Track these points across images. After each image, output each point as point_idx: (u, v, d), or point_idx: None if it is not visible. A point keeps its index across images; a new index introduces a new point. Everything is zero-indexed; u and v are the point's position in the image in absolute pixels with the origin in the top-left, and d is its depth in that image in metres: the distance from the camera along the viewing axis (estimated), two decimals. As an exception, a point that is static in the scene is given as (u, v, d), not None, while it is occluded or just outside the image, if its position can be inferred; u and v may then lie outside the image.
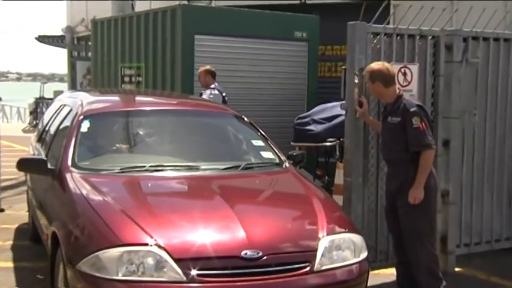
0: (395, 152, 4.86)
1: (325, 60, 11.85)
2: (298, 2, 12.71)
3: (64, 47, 21.86)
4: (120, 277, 3.60)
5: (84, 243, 3.83)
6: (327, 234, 4.01)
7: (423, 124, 4.71)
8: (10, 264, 5.98)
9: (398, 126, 4.78)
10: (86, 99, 5.70)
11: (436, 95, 5.77)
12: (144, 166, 4.69)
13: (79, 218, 4.06)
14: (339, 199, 5.60)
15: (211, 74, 8.22)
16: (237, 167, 4.88)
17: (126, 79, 10.79)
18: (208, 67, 8.31)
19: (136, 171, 4.65)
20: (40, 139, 6.41)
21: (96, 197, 4.21)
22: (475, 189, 6.10)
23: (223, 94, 8.06)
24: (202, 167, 4.83)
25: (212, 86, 8.09)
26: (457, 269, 5.84)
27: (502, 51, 6.15)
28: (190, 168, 4.80)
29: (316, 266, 3.85)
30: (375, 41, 5.47)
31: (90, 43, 14.28)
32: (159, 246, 3.67)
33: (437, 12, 5.77)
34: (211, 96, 7.91)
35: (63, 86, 27.46)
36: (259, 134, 5.49)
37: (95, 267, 3.66)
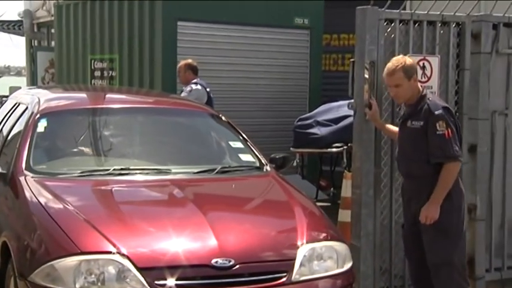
0: (417, 165, 4.76)
1: (330, 51, 11.89)
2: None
3: (22, 35, 21.80)
4: None
5: (38, 253, 3.96)
6: (307, 242, 4.21)
7: (449, 131, 4.62)
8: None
9: (420, 132, 4.71)
10: (44, 97, 5.84)
11: (460, 93, 5.80)
12: (108, 169, 4.86)
13: (33, 226, 4.20)
14: (346, 214, 5.64)
15: (193, 70, 8.22)
16: (211, 170, 5.08)
17: (97, 74, 10.80)
18: (190, 61, 8.31)
19: (99, 174, 4.83)
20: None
21: (52, 202, 4.36)
22: (507, 203, 6.13)
23: (208, 90, 8.06)
24: (174, 170, 5.04)
25: (194, 81, 8.09)
26: (486, 298, 5.88)
27: (539, 41, 6.18)
28: (159, 171, 5.01)
29: (294, 277, 4.05)
30: (389, 29, 5.50)
31: (53, 30, 14.27)
32: (122, 255, 3.83)
33: (462, -5, 5.80)
34: (193, 92, 7.88)
35: (22, 81, 27.42)
36: (238, 135, 5.68)
37: (49, 279, 3.80)
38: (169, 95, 7.41)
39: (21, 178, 4.70)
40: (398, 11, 5.54)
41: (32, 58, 18.36)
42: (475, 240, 5.80)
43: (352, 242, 5.43)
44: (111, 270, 3.80)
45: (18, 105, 6.08)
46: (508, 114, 6.06)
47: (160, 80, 9.40)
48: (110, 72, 10.50)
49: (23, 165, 4.83)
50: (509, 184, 6.14)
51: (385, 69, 4.89)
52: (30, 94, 6.25)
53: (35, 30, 20.35)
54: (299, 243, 4.20)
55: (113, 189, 4.80)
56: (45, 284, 3.79)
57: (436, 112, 4.66)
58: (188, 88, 7.98)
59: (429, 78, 5.45)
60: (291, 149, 8.83)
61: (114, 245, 3.89)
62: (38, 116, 5.31)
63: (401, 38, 5.54)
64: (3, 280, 4.44)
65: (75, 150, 5.30)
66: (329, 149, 8.63)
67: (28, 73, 19.74)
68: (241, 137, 5.67)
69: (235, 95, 9.77)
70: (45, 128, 5.26)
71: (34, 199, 4.42)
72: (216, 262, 3.91)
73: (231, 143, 5.67)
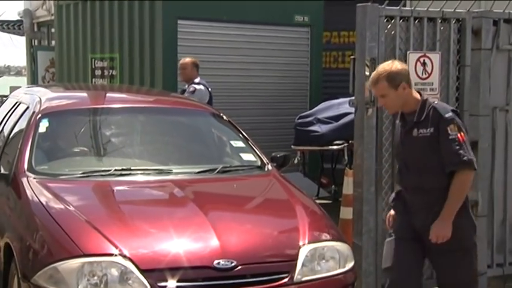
0: (431, 176, 4.23)
1: (330, 49, 11.90)
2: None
3: (22, 35, 21.81)
4: None
5: (41, 255, 3.97)
6: (309, 242, 4.22)
7: (462, 134, 4.18)
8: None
9: (432, 139, 4.21)
10: (45, 96, 5.83)
11: (461, 89, 5.80)
12: (109, 170, 4.86)
13: (35, 227, 4.20)
14: (348, 211, 5.63)
15: (197, 67, 8.25)
16: (212, 170, 5.07)
17: (98, 72, 10.80)
18: (194, 59, 8.33)
19: (101, 175, 4.83)
20: (-9, 142, 6.48)
21: (54, 204, 4.36)
22: (508, 199, 6.12)
23: (210, 90, 8.07)
24: (175, 170, 5.05)
25: (196, 80, 8.09)
26: (488, 294, 5.88)
27: (539, 37, 6.18)
28: (161, 172, 5.02)
29: (296, 277, 4.06)
30: (389, 26, 5.50)
31: (53, 30, 14.27)
32: (124, 257, 3.84)
33: (463, -8, 5.81)
34: (196, 92, 7.87)
35: (22, 80, 27.41)
36: (239, 134, 5.68)
37: (52, 281, 3.81)
38: (170, 94, 7.41)
39: (23, 179, 4.70)
40: (398, 7, 5.53)
41: (32, 57, 18.34)
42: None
43: (354, 239, 5.43)
44: (114, 272, 3.81)
45: (19, 104, 6.07)
46: (508, 110, 6.05)
47: (161, 78, 9.40)
48: (111, 71, 10.50)
49: (25, 166, 4.83)
50: (511, 180, 6.14)
51: (370, 78, 4.49)
52: (30, 93, 6.25)
53: (35, 29, 20.34)
54: (301, 243, 4.20)
55: (115, 190, 4.80)
56: (48, 286, 3.80)
57: (446, 115, 4.20)
58: (191, 88, 7.95)
59: (430, 75, 5.45)
60: (292, 146, 8.84)
61: (117, 247, 3.89)
62: (40, 116, 5.31)
63: (401, 35, 5.54)
64: (7, 281, 4.45)
65: (76, 150, 5.30)
66: (330, 147, 8.63)
67: (29, 72, 19.73)
68: (242, 136, 5.66)
69: (236, 93, 9.77)
70: (46, 128, 5.26)
71: (36, 200, 4.43)
72: (218, 263, 3.92)
73: (232, 142, 5.68)
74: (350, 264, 4.36)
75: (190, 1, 9.45)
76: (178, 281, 3.82)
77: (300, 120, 9.04)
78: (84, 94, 6.87)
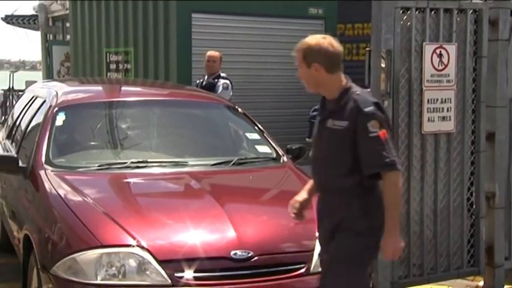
0: (335, 176, 3.70)
1: (345, 41, 11.77)
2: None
3: (37, 29, 21.92)
4: (99, 281, 3.81)
5: (60, 246, 4.02)
6: None
7: (383, 131, 3.61)
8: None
9: (344, 134, 3.64)
10: (62, 90, 5.90)
11: (478, 80, 5.76)
12: (126, 162, 4.91)
13: (54, 219, 4.25)
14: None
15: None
16: (228, 162, 5.11)
17: (113, 67, 10.84)
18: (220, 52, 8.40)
19: (117, 168, 4.87)
20: (10, 135, 6.58)
21: (72, 196, 4.41)
22: (525, 191, 6.08)
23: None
24: (191, 162, 5.09)
25: (223, 74, 8.20)
26: (506, 287, 5.83)
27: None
28: (177, 164, 5.05)
29: (313, 267, 4.05)
30: (405, 17, 5.46)
31: (68, 24, 14.32)
32: (142, 247, 3.87)
33: (479, -18, 5.76)
34: (229, 89, 8.03)
35: (38, 75, 27.54)
36: (254, 126, 5.70)
37: (71, 271, 3.85)
38: (184, 87, 7.43)
39: (41, 172, 4.76)
40: (414, -1, 5.50)
41: (47, 52, 18.43)
42: (494, 227, 5.76)
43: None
44: (132, 263, 3.84)
45: (36, 98, 6.15)
46: (526, 101, 6.01)
47: (175, 72, 9.42)
48: (125, 65, 10.53)
49: (43, 159, 4.89)
50: (528, 172, 6.09)
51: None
52: (47, 87, 6.30)
53: (50, 24, 20.44)
54: (317, 234, 4.18)
55: (131, 182, 4.85)
56: (67, 277, 3.85)
57: (366, 109, 3.60)
58: (225, 85, 8.06)
59: (446, 66, 5.41)
60: (307, 139, 8.81)
61: (134, 238, 3.92)
62: (56, 109, 5.37)
63: (417, 26, 5.50)
64: (26, 272, 4.50)
65: (93, 143, 5.37)
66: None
67: (44, 67, 19.83)
68: (257, 128, 5.68)
69: (250, 86, 9.78)
70: (63, 121, 5.31)
71: (54, 192, 4.48)
72: (235, 254, 3.93)
73: (247, 134, 5.71)
74: None
75: (205, -6, 9.47)
76: (195, 272, 3.84)
77: (314, 113, 9.00)
78: (100, 88, 6.94)
